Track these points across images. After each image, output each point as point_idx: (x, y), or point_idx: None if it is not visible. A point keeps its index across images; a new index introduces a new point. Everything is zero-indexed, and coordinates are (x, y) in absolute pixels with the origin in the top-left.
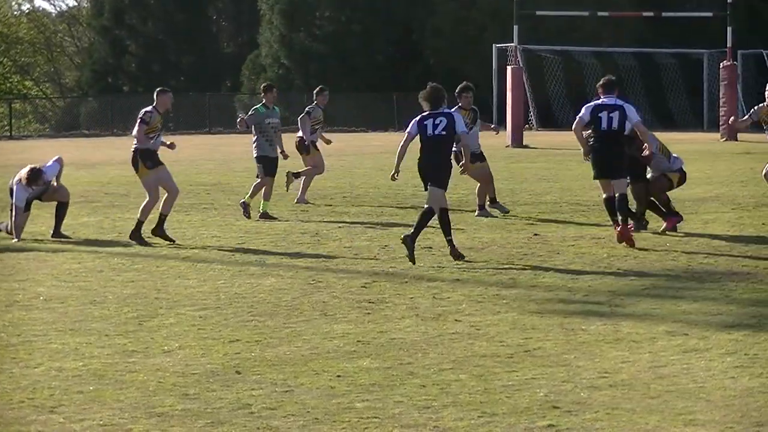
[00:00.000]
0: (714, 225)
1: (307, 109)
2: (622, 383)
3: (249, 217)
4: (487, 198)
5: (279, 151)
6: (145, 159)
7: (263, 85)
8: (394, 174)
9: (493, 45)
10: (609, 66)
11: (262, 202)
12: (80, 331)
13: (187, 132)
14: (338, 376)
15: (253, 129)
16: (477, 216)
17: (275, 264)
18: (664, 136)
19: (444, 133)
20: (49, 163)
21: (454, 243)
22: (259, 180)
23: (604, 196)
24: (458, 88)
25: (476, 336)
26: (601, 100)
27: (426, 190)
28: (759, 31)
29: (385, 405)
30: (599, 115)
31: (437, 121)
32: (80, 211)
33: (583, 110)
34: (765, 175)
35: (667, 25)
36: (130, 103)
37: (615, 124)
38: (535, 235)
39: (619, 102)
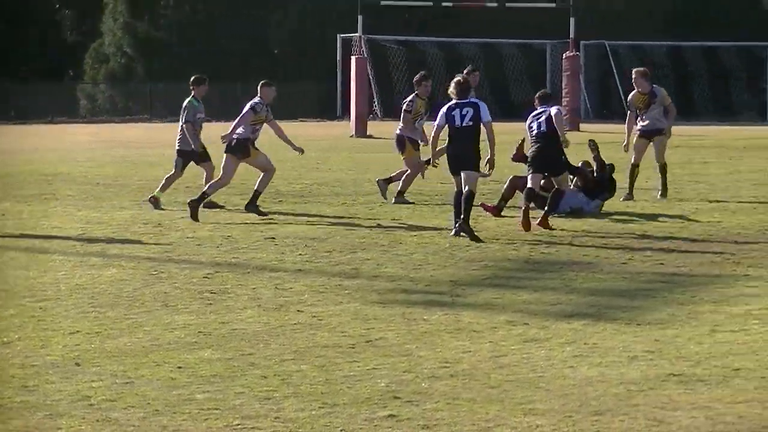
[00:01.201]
0: (554, 215)
1: (405, 107)
2: (463, 373)
3: (160, 208)
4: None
5: (200, 145)
6: (238, 148)
7: (195, 77)
8: (434, 162)
9: (338, 35)
10: (452, 56)
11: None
12: None
13: (29, 121)
14: (179, 367)
15: (182, 121)
16: (394, 203)
17: (117, 255)
18: (506, 127)
19: (471, 123)
20: None
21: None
22: (174, 173)
23: (529, 185)
24: (417, 76)
25: (318, 326)
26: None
27: (454, 175)
28: (601, 21)
29: (226, 396)
30: (531, 125)
31: (464, 112)
32: None
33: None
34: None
35: (510, 14)
36: None
37: (544, 127)
38: (378, 225)
39: (547, 107)
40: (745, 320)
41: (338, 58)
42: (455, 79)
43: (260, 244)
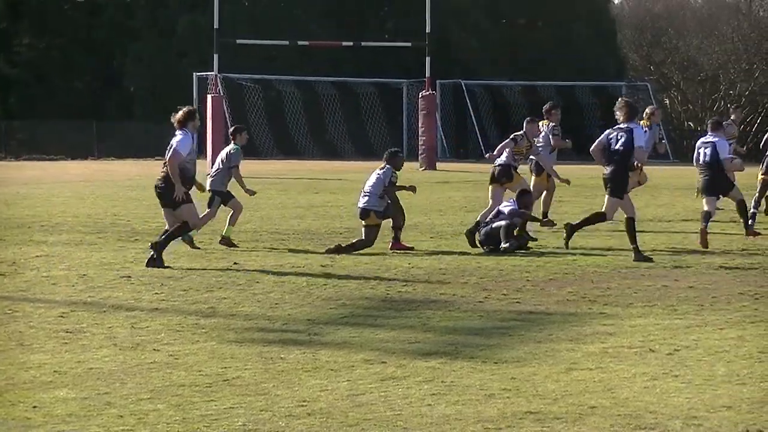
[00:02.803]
0: (412, 253)
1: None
2: (320, 411)
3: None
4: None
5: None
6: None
7: (235, 127)
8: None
9: (194, 73)
10: (308, 94)
11: (227, 227)
12: None
13: None
14: (34, 406)
15: (223, 164)
16: (542, 225)
17: None
18: (361, 165)
19: (621, 147)
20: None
21: (639, 249)
22: (233, 211)
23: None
24: (547, 105)
25: (175, 365)
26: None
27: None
28: (456, 61)
29: None
30: (609, 138)
31: (619, 136)
32: None
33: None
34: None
35: (366, 54)
36: None
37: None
38: (235, 263)
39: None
40: (601, 358)
41: (194, 97)
42: (623, 102)
43: (116, 283)
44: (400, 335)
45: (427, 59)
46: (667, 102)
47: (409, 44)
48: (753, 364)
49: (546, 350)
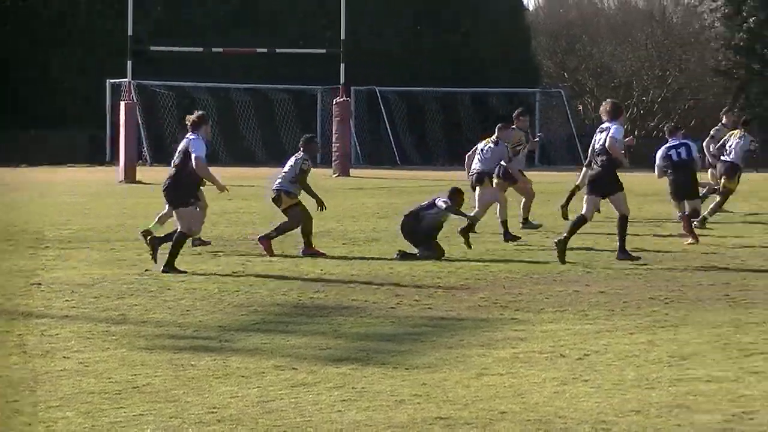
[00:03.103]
0: (324, 260)
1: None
2: (230, 418)
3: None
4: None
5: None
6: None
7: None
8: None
9: (107, 80)
10: (222, 101)
11: (154, 222)
12: None
13: None
14: None
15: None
16: (522, 229)
17: None
18: (274, 171)
19: (602, 147)
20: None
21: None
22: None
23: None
24: (516, 112)
25: (84, 373)
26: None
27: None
28: (370, 67)
29: None
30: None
31: (599, 137)
32: None
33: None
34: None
35: (281, 60)
36: None
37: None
38: (147, 270)
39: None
40: (511, 363)
41: (107, 104)
42: (606, 103)
43: (26, 290)
44: (311, 341)
45: (342, 66)
46: (581, 108)
47: (323, 51)
48: (662, 368)
49: (457, 356)
